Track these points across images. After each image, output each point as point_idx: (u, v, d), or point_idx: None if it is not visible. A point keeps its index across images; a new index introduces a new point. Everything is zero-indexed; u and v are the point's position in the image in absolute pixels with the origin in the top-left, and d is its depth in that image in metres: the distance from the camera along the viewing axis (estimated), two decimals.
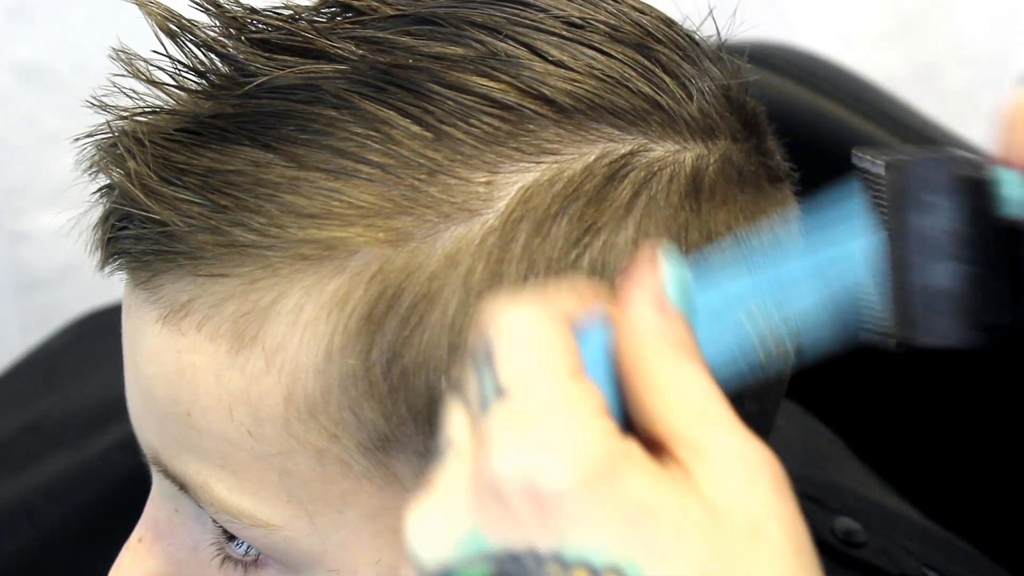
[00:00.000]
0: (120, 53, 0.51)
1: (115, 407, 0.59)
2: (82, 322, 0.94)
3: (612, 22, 0.51)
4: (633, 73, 0.50)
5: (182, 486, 0.51)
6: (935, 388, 0.86)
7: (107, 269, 0.52)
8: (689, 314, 0.44)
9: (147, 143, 0.49)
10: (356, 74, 0.49)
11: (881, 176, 0.46)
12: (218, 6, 0.51)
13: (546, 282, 0.48)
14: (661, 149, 0.50)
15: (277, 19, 0.51)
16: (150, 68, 0.51)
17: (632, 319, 0.43)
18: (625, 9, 0.52)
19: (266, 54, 0.50)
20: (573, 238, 0.48)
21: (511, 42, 0.50)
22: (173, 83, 0.50)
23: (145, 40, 0.51)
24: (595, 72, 0.49)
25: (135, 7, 0.51)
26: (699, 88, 0.51)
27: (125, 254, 0.50)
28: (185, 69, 0.50)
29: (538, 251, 0.48)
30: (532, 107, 0.48)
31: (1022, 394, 0.82)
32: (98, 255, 0.52)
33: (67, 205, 0.53)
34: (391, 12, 0.51)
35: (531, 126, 0.48)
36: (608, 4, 0.52)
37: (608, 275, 0.48)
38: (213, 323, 0.49)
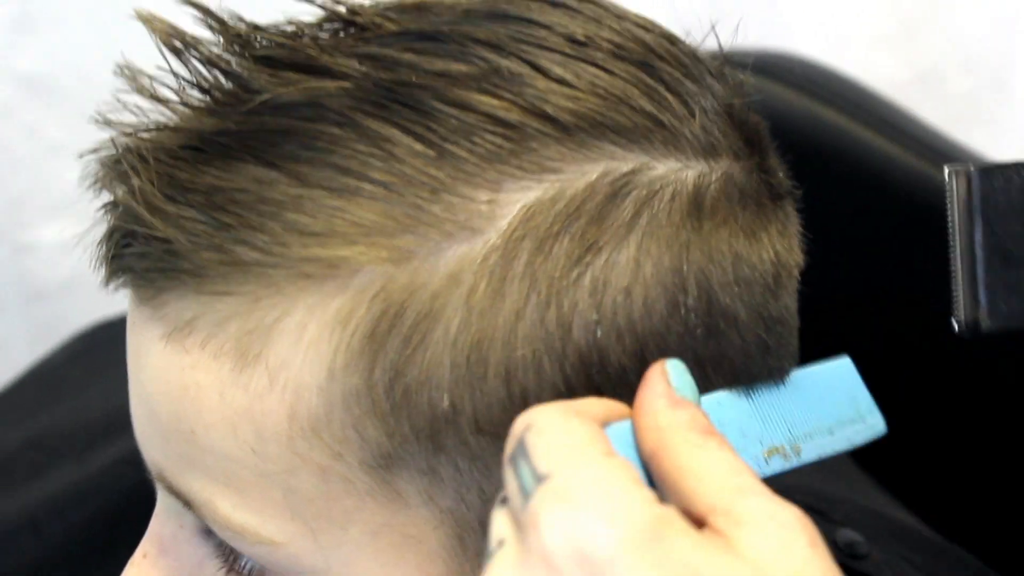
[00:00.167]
0: (124, 69, 0.51)
1: (119, 420, 0.59)
2: (85, 335, 0.94)
3: (615, 39, 0.51)
4: (636, 91, 0.50)
5: (186, 503, 0.51)
6: (941, 399, 0.86)
7: (112, 285, 0.52)
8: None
9: (151, 160, 0.49)
10: (359, 91, 0.49)
11: (950, 183, 0.53)
12: (222, 23, 0.51)
13: (548, 301, 0.48)
14: (663, 167, 0.50)
15: (281, 35, 0.51)
16: (154, 84, 0.51)
17: (651, 412, 0.46)
18: (628, 26, 0.52)
19: (270, 71, 0.50)
20: (575, 256, 0.48)
21: (514, 59, 0.50)
22: (177, 99, 0.51)
23: (149, 53, 0.51)
24: (598, 90, 0.50)
25: (138, 20, 0.51)
26: (701, 106, 0.51)
27: (129, 271, 0.51)
28: (189, 85, 0.50)
29: (540, 269, 0.48)
30: (534, 125, 0.48)
31: None
32: (103, 271, 0.52)
33: (72, 217, 0.53)
34: (394, 28, 0.51)
35: (533, 144, 0.48)
36: (611, 21, 0.52)
37: (610, 294, 0.48)
38: (217, 341, 0.49)
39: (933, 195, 0.71)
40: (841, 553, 0.68)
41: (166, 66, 0.51)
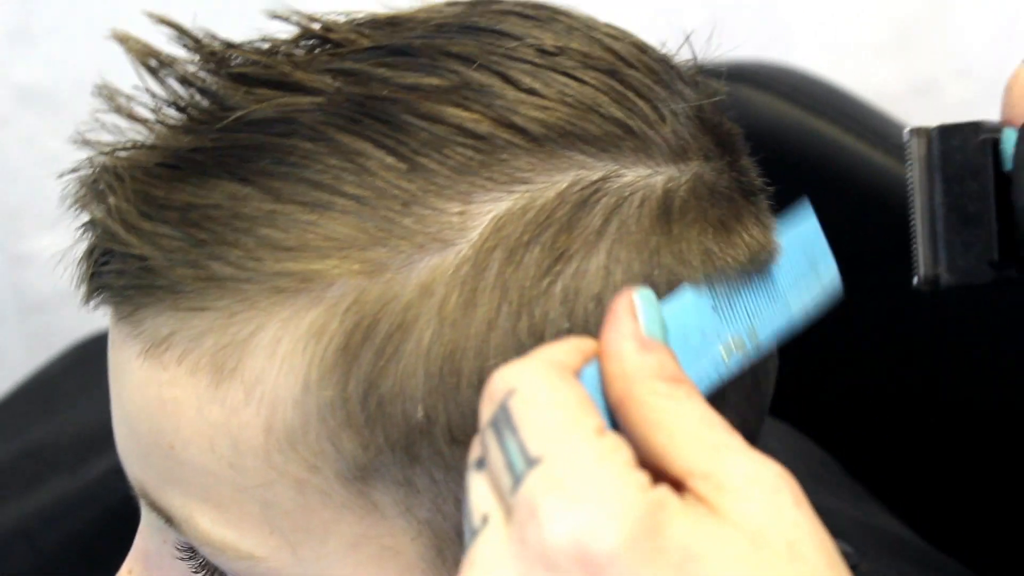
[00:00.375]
0: (102, 89, 0.52)
1: (112, 431, 0.60)
2: (80, 347, 0.95)
3: (585, 49, 0.52)
4: (605, 98, 0.50)
5: (168, 519, 0.52)
6: (934, 407, 0.86)
7: (92, 303, 0.52)
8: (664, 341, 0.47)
9: (127, 179, 0.49)
10: (332, 106, 0.49)
11: (911, 143, 0.55)
12: (197, 41, 0.51)
13: (519, 310, 0.48)
14: (632, 174, 0.50)
15: (255, 53, 0.52)
16: (132, 103, 0.51)
17: (617, 357, 0.45)
18: (599, 36, 0.53)
19: (244, 88, 0.50)
20: (545, 266, 0.48)
21: (484, 71, 0.50)
22: (154, 118, 0.51)
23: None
24: (567, 99, 0.50)
25: (152, 24, 0.51)
26: (672, 110, 0.51)
27: (108, 288, 0.51)
28: (166, 104, 0.51)
29: (511, 279, 0.48)
30: (504, 136, 0.49)
31: (1020, 413, 0.83)
32: (84, 289, 0.53)
33: (69, 228, 0.54)
34: (368, 44, 0.51)
35: (504, 155, 0.49)
36: (582, 31, 0.53)
37: (581, 302, 0.49)
38: (193, 356, 0.49)
39: None
40: None
41: (148, 83, 0.51)
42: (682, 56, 0.55)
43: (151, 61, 0.51)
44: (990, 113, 0.57)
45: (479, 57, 0.50)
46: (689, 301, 0.49)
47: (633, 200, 0.50)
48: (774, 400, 0.58)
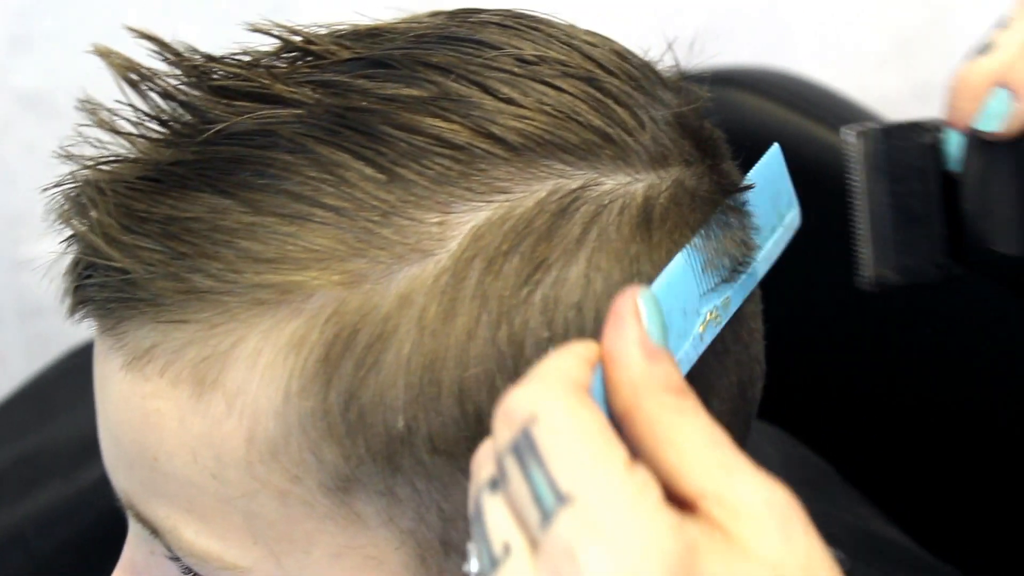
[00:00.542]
0: (85, 103, 0.52)
1: None
2: (76, 352, 0.95)
3: (564, 57, 0.52)
4: (584, 106, 0.51)
5: (153, 531, 0.52)
6: (930, 411, 0.86)
7: (76, 316, 0.53)
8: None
9: (109, 192, 0.50)
10: (311, 118, 0.50)
11: (853, 143, 0.56)
12: (178, 55, 0.52)
13: (499, 320, 0.48)
14: (612, 182, 0.50)
15: (236, 66, 0.52)
16: (114, 117, 0.52)
17: (623, 365, 0.45)
18: (578, 44, 0.53)
19: (225, 101, 0.50)
20: (524, 275, 0.49)
21: (463, 81, 0.50)
22: (136, 132, 0.51)
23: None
24: (545, 108, 0.50)
25: (133, 39, 0.52)
26: (651, 116, 0.51)
27: (91, 301, 0.51)
28: (148, 118, 0.51)
29: (490, 289, 0.48)
30: (483, 146, 0.49)
31: (1017, 420, 0.82)
32: (68, 302, 0.53)
33: (68, 232, 0.54)
34: (348, 56, 0.52)
35: (482, 165, 0.49)
36: (561, 40, 0.53)
37: (560, 311, 0.49)
38: (175, 368, 0.49)
39: None
40: None
41: (135, 96, 0.51)
42: (680, 61, 0.55)
43: (133, 75, 0.51)
44: None
45: (458, 67, 0.51)
46: (676, 278, 0.49)
47: (612, 208, 0.50)
48: (769, 405, 0.58)
